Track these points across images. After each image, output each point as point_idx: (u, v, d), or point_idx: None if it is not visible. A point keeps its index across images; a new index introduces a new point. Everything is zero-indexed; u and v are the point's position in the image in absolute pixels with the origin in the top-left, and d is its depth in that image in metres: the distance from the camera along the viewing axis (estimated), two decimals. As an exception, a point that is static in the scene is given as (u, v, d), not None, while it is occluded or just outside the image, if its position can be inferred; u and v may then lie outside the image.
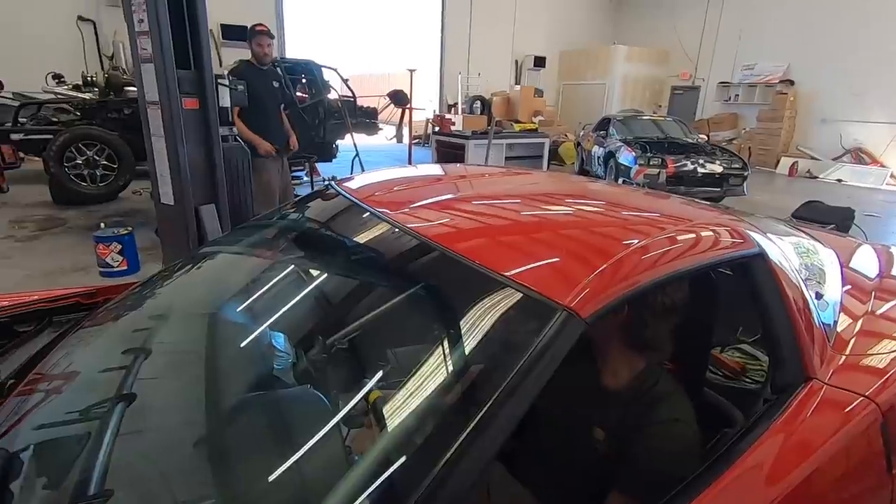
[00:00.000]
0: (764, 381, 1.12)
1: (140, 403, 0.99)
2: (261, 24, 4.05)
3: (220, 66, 7.79)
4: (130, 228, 3.78)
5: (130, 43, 2.54)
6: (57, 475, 0.90)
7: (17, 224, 4.90)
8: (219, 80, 2.81)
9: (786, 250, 1.32)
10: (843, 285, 1.51)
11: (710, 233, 1.11)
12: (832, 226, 2.49)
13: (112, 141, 5.28)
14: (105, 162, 5.33)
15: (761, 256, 1.12)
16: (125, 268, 3.67)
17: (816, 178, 10.62)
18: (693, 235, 1.06)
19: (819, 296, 1.34)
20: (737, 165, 6.89)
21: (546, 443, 1.17)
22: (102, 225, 3.85)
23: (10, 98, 7.09)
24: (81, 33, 9.08)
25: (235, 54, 8.50)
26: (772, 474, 0.90)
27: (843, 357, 1.18)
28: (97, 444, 0.87)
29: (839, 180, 10.34)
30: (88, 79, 6.32)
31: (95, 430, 0.93)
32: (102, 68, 8.32)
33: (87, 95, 6.03)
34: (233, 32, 10.02)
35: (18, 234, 4.62)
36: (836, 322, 1.30)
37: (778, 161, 11.38)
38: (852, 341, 1.26)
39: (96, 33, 9.20)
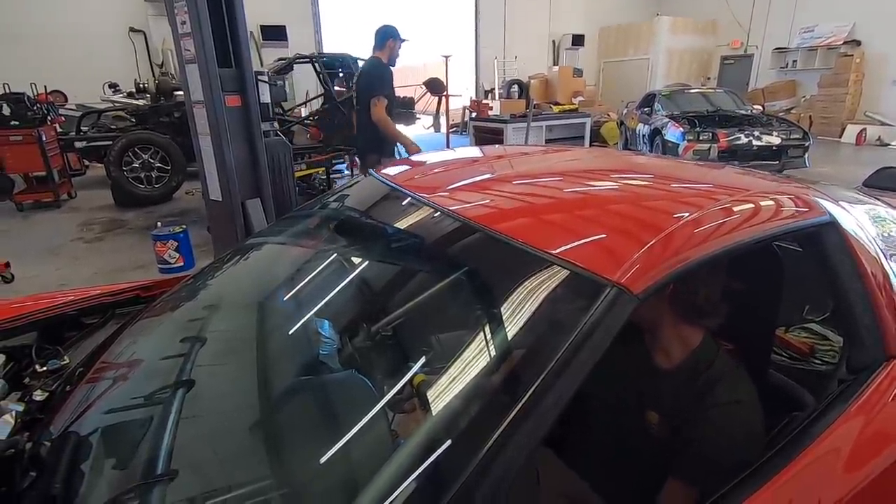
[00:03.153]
0: (838, 362, 1.03)
1: (197, 389, 1.03)
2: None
3: (261, 65, 8.01)
4: (184, 227, 3.96)
5: (175, 46, 2.64)
6: (124, 456, 0.95)
7: (84, 227, 5.25)
8: (258, 77, 2.87)
9: (860, 219, 1.20)
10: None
11: (772, 202, 1.02)
12: (911, 193, 2.27)
13: (164, 144, 5.55)
14: (159, 164, 5.61)
15: (832, 225, 1.03)
16: (181, 264, 3.86)
17: (888, 145, 9.77)
18: (752, 205, 0.98)
19: (900, 268, 1.21)
20: (796, 136, 6.44)
21: (597, 427, 1.13)
22: (159, 224, 4.05)
23: (73, 109, 7.59)
24: (133, 44, 9.58)
25: (276, 54, 8.74)
26: (850, 461, 0.83)
27: (931, 334, 1.07)
28: (161, 428, 0.92)
29: (915, 147, 9.48)
30: (141, 86, 6.65)
31: (158, 414, 0.97)
32: (154, 75, 8.74)
33: (140, 102, 6.35)
34: (272, 33, 10.27)
35: (86, 236, 4.95)
36: (920, 297, 1.18)
37: (843, 129, 10.54)
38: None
39: (147, 43, 9.68)
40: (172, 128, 5.70)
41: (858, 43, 10.81)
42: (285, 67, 6.10)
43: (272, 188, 2.97)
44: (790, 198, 1.06)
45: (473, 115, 8.54)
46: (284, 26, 10.36)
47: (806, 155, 6.42)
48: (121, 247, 4.63)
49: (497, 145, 2.01)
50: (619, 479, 1.05)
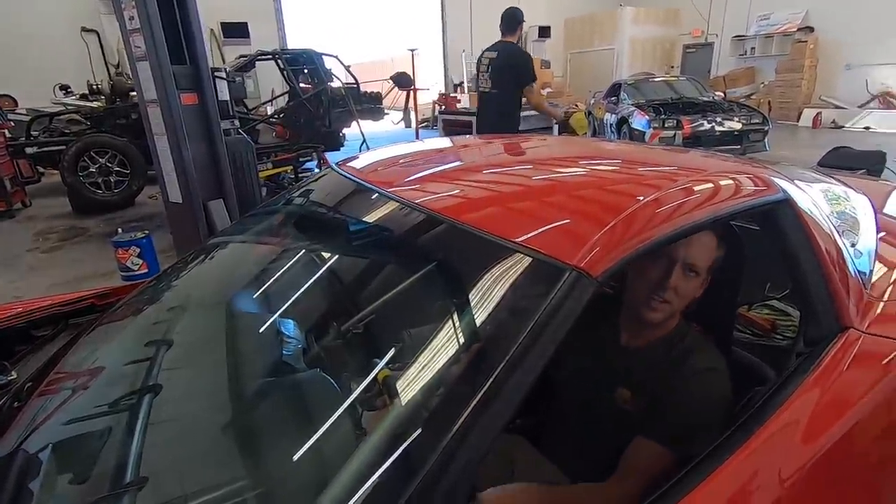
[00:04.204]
0: (796, 336, 1.06)
1: (159, 395, 0.99)
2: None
3: (223, 63, 7.79)
4: (147, 232, 3.83)
5: (125, 43, 2.53)
6: (82, 470, 0.91)
7: (41, 236, 5.02)
8: (215, 74, 2.78)
9: (815, 197, 1.24)
10: (879, 232, 1.42)
11: (729, 181, 1.04)
12: (863, 171, 2.36)
13: (121, 146, 5.35)
14: (118, 168, 5.40)
15: (787, 202, 1.05)
16: (145, 270, 3.71)
17: (842, 127, 10.17)
18: (710, 185, 1.00)
19: (853, 244, 1.25)
20: (756, 121, 6.64)
21: (571, 412, 1.13)
22: (120, 230, 3.90)
23: (23, 114, 7.23)
24: (86, 44, 9.19)
25: (238, 52, 8.51)
26: (808, 431, 0.84)
27: (882, 304, 1.11)
28: (125, 436, 0.89)
29: (867, 128, 9.88)
30: (94, 87, 6.38)
31: (118, 422, 0.94)
32: (109, 77, 8.40)
33: (94, 104, 6.10)
34: (233, 30, 9.99)
35: (43, 246, 4.73)
36: (871, 271, 1.22)
37: (800, 113, 10.93)
38: (890, 288, 1.18)
39: (101, 43, 9.30)
40: (130, 130, 5.49)
41: (812, 29, 11.20)
42: (246, 65, 5.95)
43: (236, 188, 2.89)
44: (745, 177, 1.08)
45: (442, 108, 8.52)
46: (246, 23, 10.10)
47: (766, 139, 6.63)
48: (81, 256, 4.45)
49: (460, 136, 1.99)
50: (596, 461, 1.05)
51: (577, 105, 11.04)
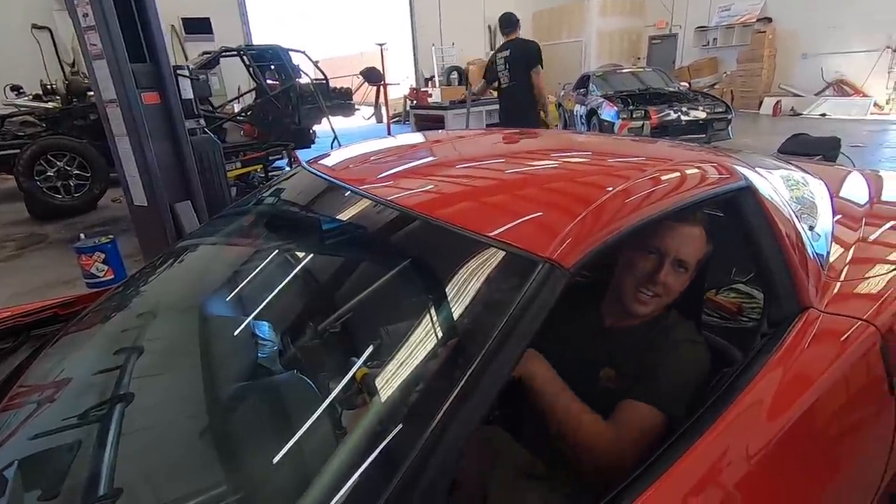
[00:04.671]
0: (760, 317, 1.10)
1: (131, 404, 0.97)
2: None
3: (186, 60, 7.55)
4: (112, 236, 3.69)
5: (79, 41, 2.42)
6: (52, 485, 0.88)
7: (-3, 244, 4.80)
8: (178, 72, 2.69)
9: (776, 184, 1.28)
10: (835, 215, 1.48)
11: (695, 170, 1.07)
12: (819, 157, 2.46)
13: (80, 149, 5.14)
14: (77, 171, 5.19)
15: (749, 189, 1.09)
16: (111, 277, 3.59)
17: (800, 114, 10.55)
18: (676, 174, 1.02)
19: (811, 227, 1.31)
20: (720, 110, 6.83)
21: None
22: (82, 236, 3.75)
23: (-28, 117, 6.86)
24: (38, 42, 8.76)
25: (201, 48, 8.25)
26: (772, 410, 0.88)
27: (839, 284, 1.16)
28: (97, 448, 0.86)
29: (823, 115, 10.28)
30: (48, 87, 6.10)
31: (89, 434, 0.91)
32: (65, 76, 8.04)
33: (49, 105, 5.83)
34: (196, 26, 9.68)
35: (0, 255, 4.52)
36: (829, 252, 1.28)
37: (761, 102, 11.28)
38: (846, 269, 1.24)
39: (53, 41, 8.88)
40: (89, 131, 5.28)
41: (770, 20, 11.54)
42: (210, 61, 5.79)
43: (204, 189, 2.81)
44: (709, 166, 1.11)
45: (413, 103, 8.48)
46: (208, 18, 9.81)
47: (729, 127, 6.82)
48: (42, 263, 4.27)
49: (431, 131, 1.99)
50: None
51: (548, 97, 11.14)
